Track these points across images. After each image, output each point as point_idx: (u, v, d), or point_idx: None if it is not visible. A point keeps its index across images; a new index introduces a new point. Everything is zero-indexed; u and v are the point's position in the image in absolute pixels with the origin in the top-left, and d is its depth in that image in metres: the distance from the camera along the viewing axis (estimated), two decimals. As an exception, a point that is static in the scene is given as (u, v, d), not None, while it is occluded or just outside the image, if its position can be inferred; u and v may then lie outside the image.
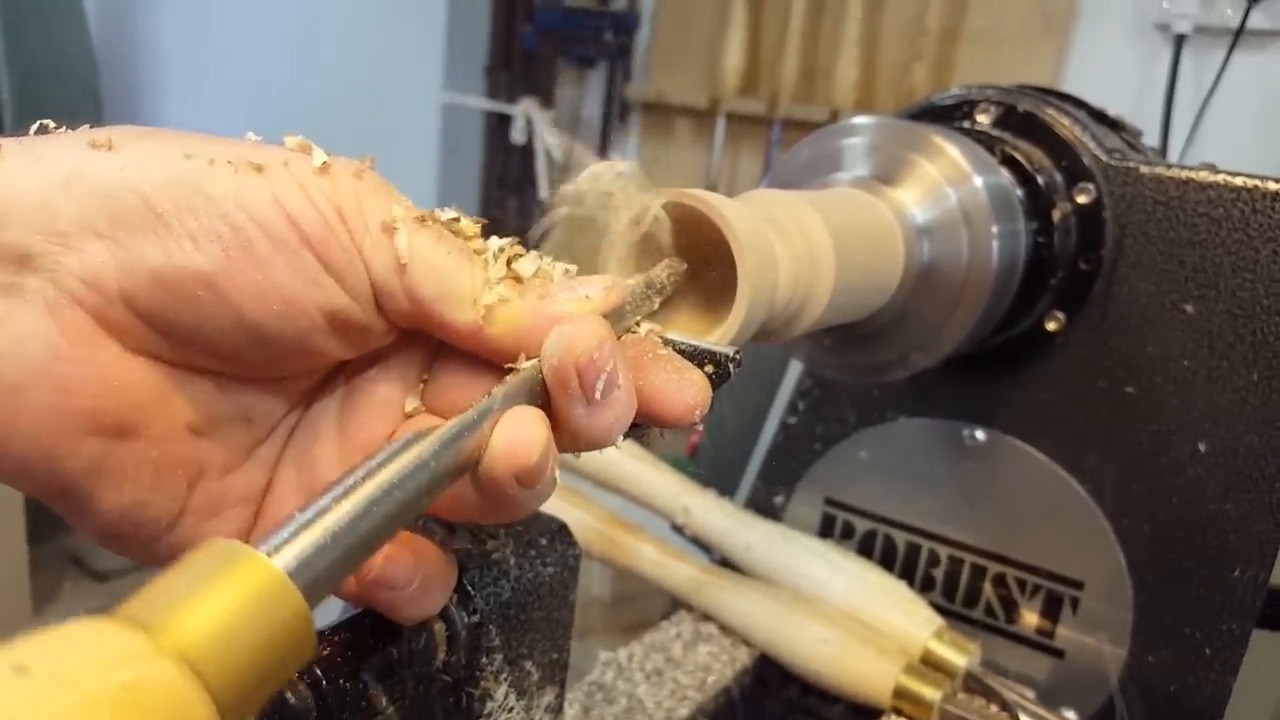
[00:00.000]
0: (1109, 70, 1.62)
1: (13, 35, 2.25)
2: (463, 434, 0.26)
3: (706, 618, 0.67)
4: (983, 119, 0.62)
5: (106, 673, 0.17)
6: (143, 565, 0.28)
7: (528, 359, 0.29)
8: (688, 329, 0.36)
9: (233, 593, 0.20)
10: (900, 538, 0.70)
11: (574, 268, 0.32)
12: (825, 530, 0.72)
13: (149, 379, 0.27)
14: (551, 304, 0.29)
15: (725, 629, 0.66)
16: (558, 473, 0.28)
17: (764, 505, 0.74)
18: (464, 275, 0.28)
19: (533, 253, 0.31)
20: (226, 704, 0.19)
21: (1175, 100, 1.52)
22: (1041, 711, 0.59)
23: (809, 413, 0.72)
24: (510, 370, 0.29)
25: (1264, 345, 0.57)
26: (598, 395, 0.27)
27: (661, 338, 0.32)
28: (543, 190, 2.03)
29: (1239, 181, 0.57)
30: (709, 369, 0.31)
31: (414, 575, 0.29)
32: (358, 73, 2.30)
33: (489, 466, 0.26)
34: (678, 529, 0.72)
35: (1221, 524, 0.59)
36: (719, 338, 0.34)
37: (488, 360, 0.30)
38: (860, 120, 0.55)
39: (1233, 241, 0.58)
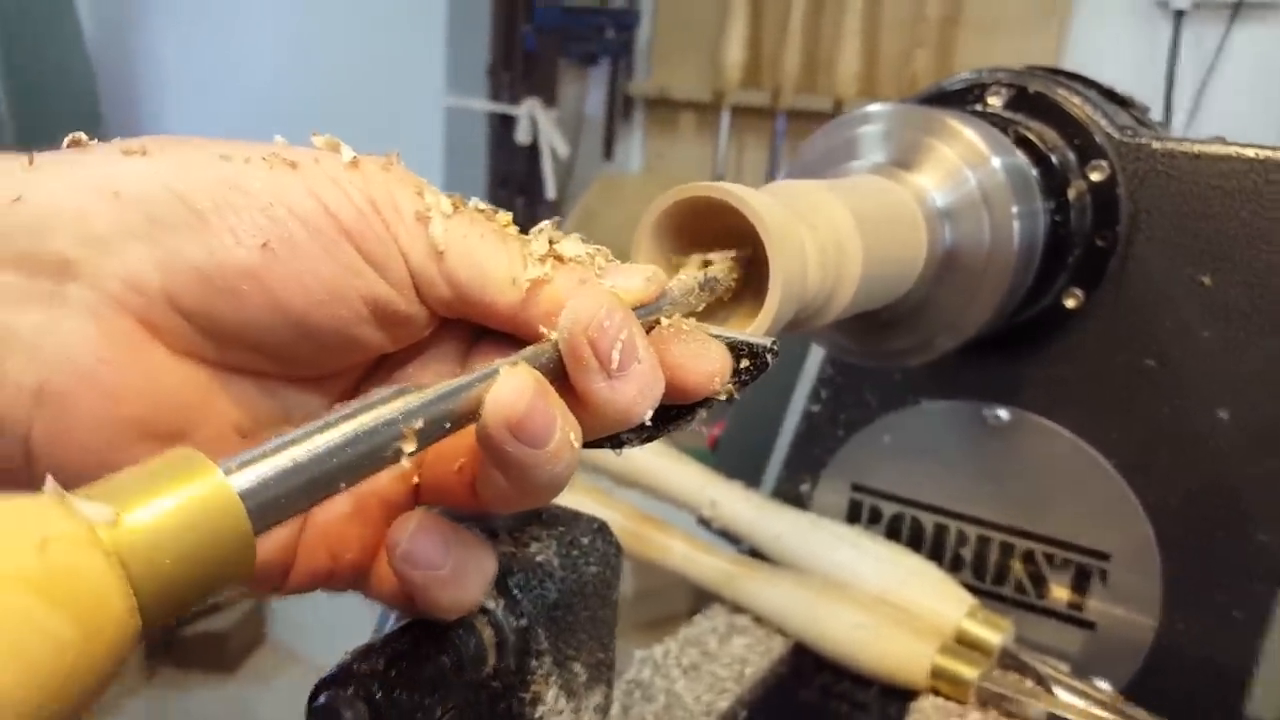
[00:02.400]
0: (1110, 49, 1.63)
1: (10, 51, 2.26)
2: (458, 391, 0.25)
3: (739, 609, 0.68)
4: (994, 101, 0.63)
5: (30, 550, 0.17)
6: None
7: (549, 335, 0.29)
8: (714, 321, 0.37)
9: (179, 498, 0.19)
10: (927, 519, 0.71)
11: (608, 252, 0.32)
12: (852, 516, 0.73)
13: (195, 381, 0.27)
14: (593, 286, 0.29)
15: (759, 620, 0.67)
16: (578, 453, 0.27)
17: (790, 494, 0.75)
18: (501, 257, 0.29)
19: (574, 235, 0.32)
20: (147, 603, 0.19)
21: (1176, 76, 1.53)
22: (1077, 684, 0.60)
23: (831, 400, 0.73)
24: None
25: (1279, 313, 0.58)
26: (614, 364, 0.27)
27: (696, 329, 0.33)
28: (549, 190, 2.04)
29: (1250, 153, 0.58)
30: (745, 362, 0.32)
31: (446, 556, 0.29)
32: (359, 78, 2.30)
33: (483, 422, 0.26)
34: (704, 522, 0.73)
35: (1245, 490, 0.60)
36: (753, 330, 0.35)
37: (526, 344, 0.30)
38: (874, 108, 0.56)
39: (1246, 213, 0.58)
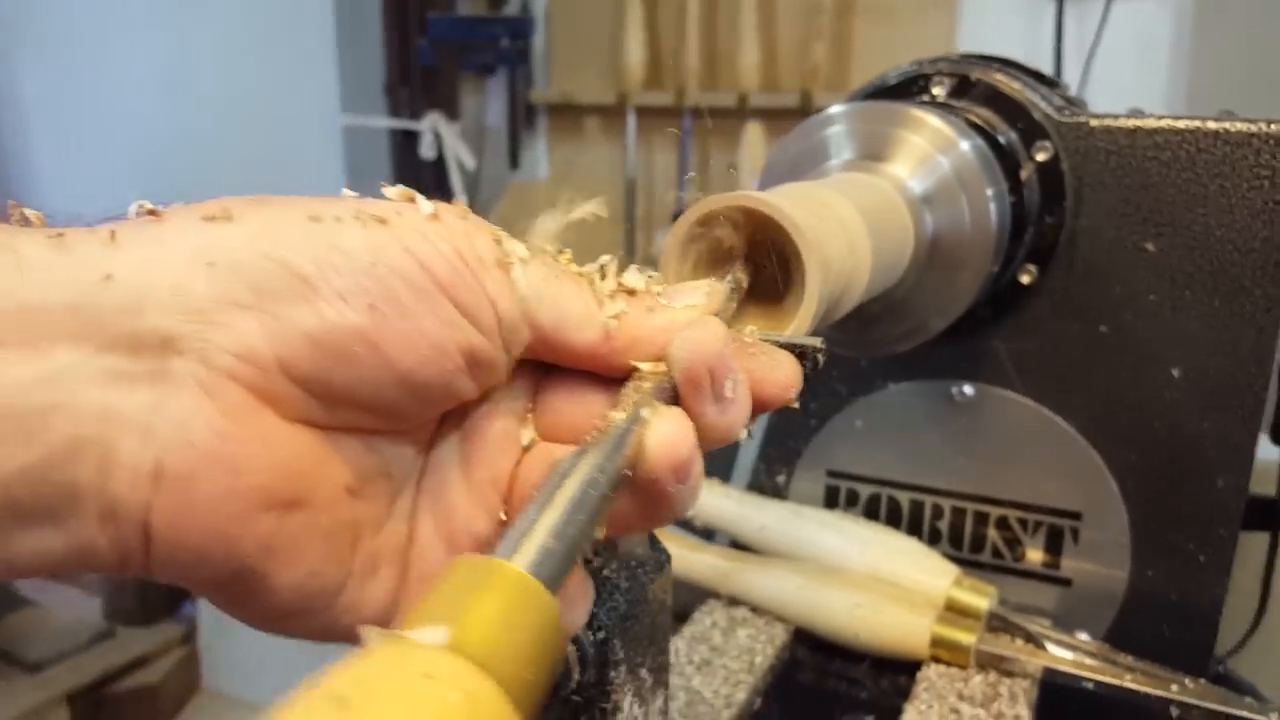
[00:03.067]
0: (999, 30, 1.70)
1: None
2: (624, 439, 0.27)
3: (735, 602, 0.70)
4: (938, 91, 0.66)
5: (418, 687, 0.19)
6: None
7: (641, 367, 0.30)
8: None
9: (498, 598, 0.21)
10: (903, 497, 0.73)
11: (659, 275, 0.33)
12: (830, 501, 0.75)
13: (308, 446, 0.27)
14: (665, 313, 0.30)
15: (757, 610, 0.68)
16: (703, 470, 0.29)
17: (768, 486, 0.77)
18: (577, 298, 0.30)
19: (632, 266, 0.33)
20: (516, 699, 0.20)
21: (1063, 53, 1.60)
22: (1064, 638, 0.63)
23: (802, 391, 0.75)
24: (632, 380, 0.30)
25: (1221, 274, 0.62)
26: (728, 393, 0.29)
27: (747, 334, 0.34)
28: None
29: (1182, 125, 0.62)
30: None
31: (564, 587, 0.30)
32: (247, 105, 2.24)
33: (648, 466, 0.27)
34: (685, 521, 0.74)
35: (1201, 441, 0.64)
36: (793, 331, 0.37)
37: (593, 379, 0.31)
38: (835, 110, 0.58)
39: (1183, 180, 0.62)
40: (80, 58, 2.48)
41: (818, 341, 0.34)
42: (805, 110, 1.83)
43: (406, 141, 2.07)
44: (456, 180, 2.03)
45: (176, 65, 2.35)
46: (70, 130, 2.57)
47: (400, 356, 0.27)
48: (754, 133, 1.88)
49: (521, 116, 2.18)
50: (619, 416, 0.28)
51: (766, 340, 0.34)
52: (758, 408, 0.31)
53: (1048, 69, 1.58)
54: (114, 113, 2.46)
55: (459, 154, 2.02)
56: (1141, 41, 1.59)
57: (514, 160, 2.21)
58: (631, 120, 2.01)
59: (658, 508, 0.29)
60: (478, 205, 2.16)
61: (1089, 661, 0.61)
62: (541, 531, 0.24)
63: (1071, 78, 1.60)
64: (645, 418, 0.28)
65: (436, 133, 2.02)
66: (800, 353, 0.33)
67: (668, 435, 0.27)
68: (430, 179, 2.07)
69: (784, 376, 0.31)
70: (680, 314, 0.31)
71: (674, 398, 0.29)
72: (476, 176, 2.12)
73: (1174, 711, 0.56)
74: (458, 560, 0.22)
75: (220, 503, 0.25)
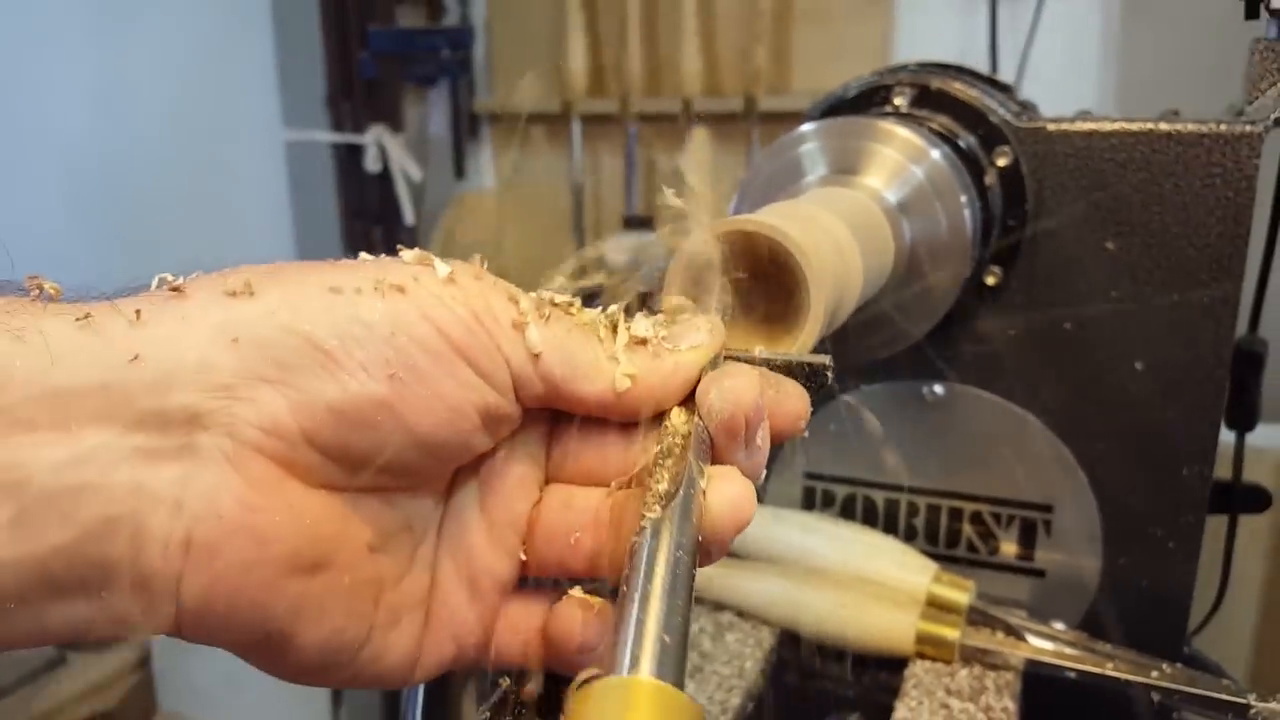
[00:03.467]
0: (934, 31, 1.73)
1: None
2: (689, 507, 0.28)
3: (720, 607, 0.70)
4: (900, 101, 0.67)
5: None
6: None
7: (658, 414, 0.31)
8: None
9: (649, 714, 0.22)
10: (879, 496, 0.75)
11: (664, 319, 0.34)
12: (807, 503, 0.77)
13: (331, 510, 0.28)
14: (674, 358, 0.31)
15: (743, 614, 0.69)
16: None
17: (744, 489, 0.78)
18: (588, 352, 0.30)
19: (639, 314, 0.33)
20: None
21: (999, 50, 1.64)
22: (1042, 628, 0.65)
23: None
24: (663, 430, 0.31)
25: (1178, 269, 0.64)
26: (759, 441, 0.30)
27: (760, 356, 0.34)
28: (407, 216, 2.01)
29: (1136, 127, 0.64)
30: (806, 383, 0.34)
31: (603, 634, 0.31)
32: (184, 122, 2.19)
33: (715, 528, 0.29)
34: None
35: (1166, 431, 0.66)
36: (797, 349, 0.37)
37: (609, 420, 0.32)
38: (805, 128, 0.59)
39: (1139, 180, 0.64)
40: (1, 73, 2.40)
41: (826, 359, 0.34)
42: (749, 114, 1.85)
43: (350, 155, 2.05)
44: (403, 192, 2.01)
45: (108, 81, 2.29)
46: (-8, 161, 2.48)
47: (419, 420, 0.28)
48: (699, 138, 1.89)
49: (465, 127, 2.17)
50: (663, 482, 0.29)
51: (776, 359, 0.34)
52: (773, 440, 0.32)
53: (984, 67, 1.63)
54: (41, 130, 2.38)
55: (404, 166, 2.00)
56: (1073, 39, 1.63)
57: (459, 170, 2.20)
58: (576, 128, 2.01)
59: (713, 556, 0.30)
60: (424, 215, 2.15)
61: (1070, 651, 0.63)
62: (653, 631, 0.24)
63: (1007, 75, 1.63)
64: (701, 484, 0.29)
65: (381, 145, 2.00)
66: (809, 371, 0.34)
67: (733, 499, 0.29)
68: (376, 192, 2.06)
69: (795, 408, 0.32)
70: (687, 357, 0.31)
71: (710, 447, 0.30)
72: (422, 188, 2.11)
73: (1155, 696, 0.58)
74: (590, 688, 0.23)
75: (249, 571, 0.26)
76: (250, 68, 2.10)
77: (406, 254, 0.30)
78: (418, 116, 2.18)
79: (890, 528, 0.74)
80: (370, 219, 2.07)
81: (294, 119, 2.08)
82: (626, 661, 0.24)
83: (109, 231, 2.01)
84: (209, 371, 0.25)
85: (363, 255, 0.30)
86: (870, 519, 0.75)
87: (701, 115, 1.89)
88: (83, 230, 2.02)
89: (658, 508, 0.28)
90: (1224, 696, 0.56)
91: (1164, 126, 0.63)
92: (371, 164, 2.01)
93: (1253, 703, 0.56)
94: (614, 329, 0.31)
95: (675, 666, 0.24)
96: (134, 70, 2.25)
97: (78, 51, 2.30)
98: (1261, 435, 0.85)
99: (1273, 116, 0.62)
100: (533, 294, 0.31)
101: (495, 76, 2.19)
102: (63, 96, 2.33)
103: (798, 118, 0.64)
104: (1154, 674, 0.59)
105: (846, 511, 0.76)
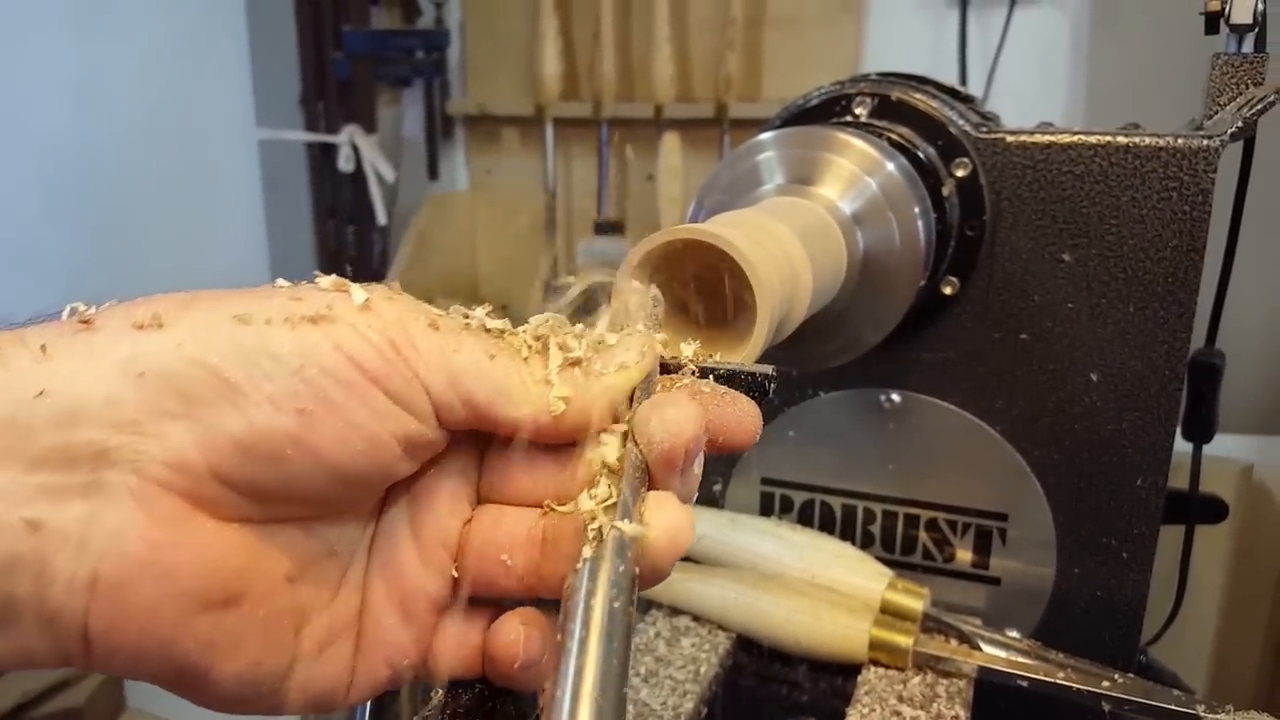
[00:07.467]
0: (904, 39, 1.74)
1: None
2: (624, 543, 0.27)
3: (676, 611, 0.70)
4: (860, 111, 0.67)
5: None
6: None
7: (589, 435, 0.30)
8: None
9: None
10: (836, 502, 0.75)
11: (595, 336, 0.33)
12: (765, 508, 0.77)
13: (243, 543, 0.28)
14: (604, 379, 0.30)
15: (700, 619, 0.69)
16: None
17: (704, 495, 0.78)
18: (513, 374, 0.29)
19: (571, 330, 0.32)
20: None
21: (968, 61, 1.65)
22: (996, 636, 0.65)
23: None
24: (592, 451, 0.30)
25: (1135, 281, 0.65)
26: (695, 469, 0.30)
27: (703, 365, 0.34)
28: (380, 216, 2.00)
29: (1094, 139, 0.64)
30: (744, 390, 0.34)
31: (545, 649, 0.30)
32: (158, 120, 2.17)
33: (654, 559, 0.28)
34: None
35: (1120, 441, 0.66)
36: (744, 358, 0.37)
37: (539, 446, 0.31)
38: (764, 137, 0.59)
39: (1096, 192, 0.65)
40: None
41: (770, 369, 0.34)
42: (720, 120, 1.85)
43: (324, 155, 2.05)
44: (375, 193, 2.00)
45: (83, 78, 2.27)
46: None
47: (331, 452, 0.27)
48: (671, 143, 1.90)
49: (439, 128, 2.17)
50: (590, 506, 0.29)
51: (720, 369, 0.34)
52: (723, 451, 0.32)
53: (953, 77, 1.64)
54: (16, 125, 2.36)
55: (377, 166, 1.99)
56: (1042, 49, 1.65)
57: (433, 172, 2.19)
58: (550, 131, 2.01)
59: (651, 584, 0.30)
60: (396, 216, 2.15)
61: (1023, 660, 0.63)
62: (589, 689, 0.24)
63: (976, 86, 1.65)
64: (637, 515, 0.28)
65: (354, 145, 2.00)
66: (752, 381, 0.34)
67: (670, 528, 0.28)
68: (349, 192, 2.05)
69: (749, 424, 0.32)
70: (615, 379, 0.31)
71: (646, 473, 0.30)
72: (395, 189, 2.10)
73: (1105, 706, 0.58)
74: None
75: (156, 608, 0.26)
76: (225, 66, 2.08)
77: (323, 280, 0.29)
78: (392, 117, 2.17)
79: (847, 534, 0.74)
80: (344, 218, 2.06)
81: (268, 118, 2.07)
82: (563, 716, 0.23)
83: (83, 227, 2.00)
84: (115, 407, 0.25)
85: (279, 281, 0.29)
86: (828, 525, 0.75)
87: (673, 121, 1.89)
88: (56, 224, 2.01)
89: (593, 545, 0.27)
90: (1173, 707, 0.57)
91: (1121, 139, 0.64)
92: (344, 164, 2.00)
93: (1201, 714, 0.57)
94: (545, 348, 0.31)
95: (619, 712, 0.24)
96: (109, 67, 2.23)
97: (53, 47, 2.28)
98: (1220, 446, 0.86)
99: (1229, 130, 0.63)
100: (453, 314, 0.30)
101: (469, 79, 2.18)
102: (38, 92, 2.30)
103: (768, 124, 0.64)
104: (1105, 684, 0.59)
105: (804, 517, 0.76)
